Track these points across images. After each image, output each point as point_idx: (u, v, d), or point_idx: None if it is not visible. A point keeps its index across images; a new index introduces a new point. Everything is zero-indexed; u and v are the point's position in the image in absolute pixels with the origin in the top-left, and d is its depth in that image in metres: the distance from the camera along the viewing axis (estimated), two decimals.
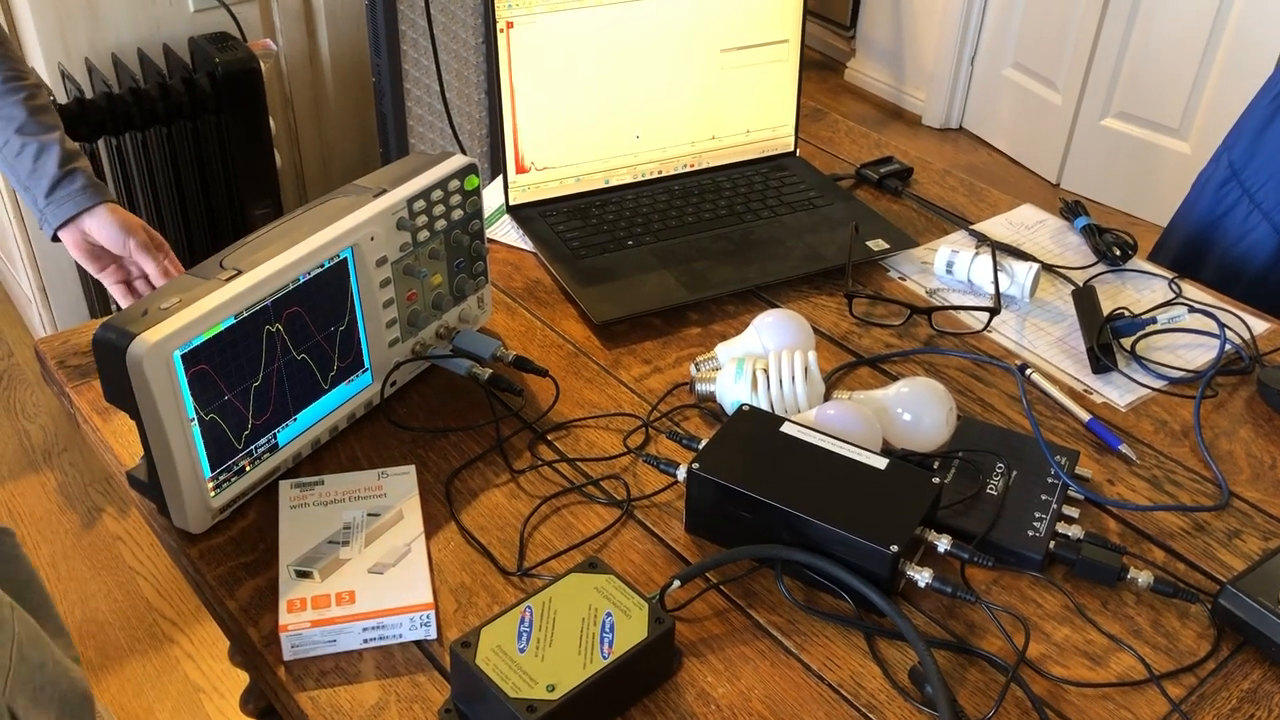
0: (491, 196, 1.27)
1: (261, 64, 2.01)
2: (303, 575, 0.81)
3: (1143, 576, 0.83)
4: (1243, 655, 0.81)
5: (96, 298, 2.13)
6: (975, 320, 1.14)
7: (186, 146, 2.01)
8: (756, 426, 0.89)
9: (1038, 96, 3.24)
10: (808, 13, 1.29)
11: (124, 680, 1.78)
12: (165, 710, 1.73)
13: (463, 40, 2.25)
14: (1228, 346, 1.09)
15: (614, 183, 1.29)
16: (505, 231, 1.24)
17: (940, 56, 3.46)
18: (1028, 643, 0.80)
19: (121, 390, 0.78)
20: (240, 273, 0.82)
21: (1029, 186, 3.23)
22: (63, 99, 1.93)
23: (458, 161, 0.97)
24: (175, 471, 0.81)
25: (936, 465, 0.92)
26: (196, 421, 0.81)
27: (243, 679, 1.25)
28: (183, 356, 0.78)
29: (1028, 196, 1.37)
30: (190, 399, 0.79)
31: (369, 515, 0.86)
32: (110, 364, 0.77)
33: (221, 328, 0.80)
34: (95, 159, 1.94)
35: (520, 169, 1.23)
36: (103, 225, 1.04)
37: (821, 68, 3.92)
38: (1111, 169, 3.10)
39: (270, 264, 0.84)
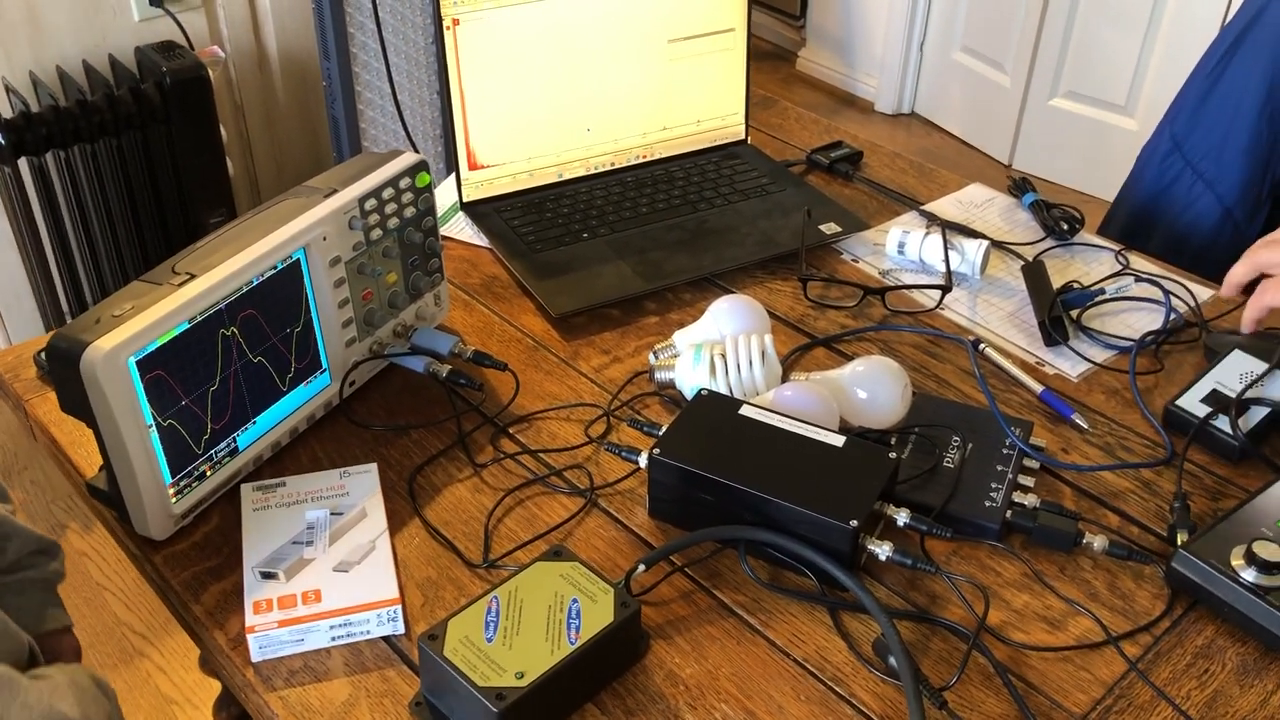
0: (446, 194, 1.27)
1: (210, 71, 2.00)
2: (268, 576, 0.81)
3: (1098, 541, 0.85)
4: (1196, 613, 0.82)
5: (51, 313, 2.11)
6: (928, 298, 1.15)
7: (137, 157, 1.99)
8: (715, 410, 0.90)
9: (987, 79, 3.28)
10: (753, 0, 1.30)
11: None
12: None
13: (412, 41, 2.25)
14: (1172, 315, 1.11)
15: (567, 176, 1.29)
16: (460, 228, 1.25)
17: (890, 43, 3.49)
18: (987, 610, 0.82)
19: (77, 399, 0.77)
20: (193, 277, 0.82)
21: (981, 168, 3.27)
22: (8, 113, 1.91)
23: (408, 159, 0.97)
24: (135, 479, 0.81)
25: (894, 441, 0.94)
26: (154, 428, 0.80)
27: (214, 689, 1.25)
28: (138, 363, 0.77)
29: (980, 178, 1.39)
30: (147, 405, 0.79)
31: (332, 514, 0.86)
32: (65, 373, 0.77)
33: (176, 333, 0.80)
34: (44, 173, 1.93)
35: (472, 165, 1.23)
36: None
37: (773, 58, 3.94)
38: (1062, 148, 3.14)
39: (223, 268, 0.83)
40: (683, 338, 1.03)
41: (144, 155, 2.00)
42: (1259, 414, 0.96)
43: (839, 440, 0.87)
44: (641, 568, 0.81)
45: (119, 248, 2.07)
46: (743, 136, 1.38)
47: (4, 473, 2.18)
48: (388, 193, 0.95)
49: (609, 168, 1.31)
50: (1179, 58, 2.75)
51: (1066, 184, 3.09)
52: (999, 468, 0.91)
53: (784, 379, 0.99)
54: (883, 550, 0.81)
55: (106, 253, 2.06)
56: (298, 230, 0.88)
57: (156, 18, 2.13)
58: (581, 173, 1.30)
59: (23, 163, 1.91)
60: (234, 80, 2.32)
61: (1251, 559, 0.80)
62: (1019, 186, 1.33)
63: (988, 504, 0.88)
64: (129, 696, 1.76)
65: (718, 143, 1.37)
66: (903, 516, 0.83)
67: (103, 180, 1.98)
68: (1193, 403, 0.98)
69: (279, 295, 0.88)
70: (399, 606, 0.79)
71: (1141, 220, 1.43)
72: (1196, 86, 1.39)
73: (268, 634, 0.77)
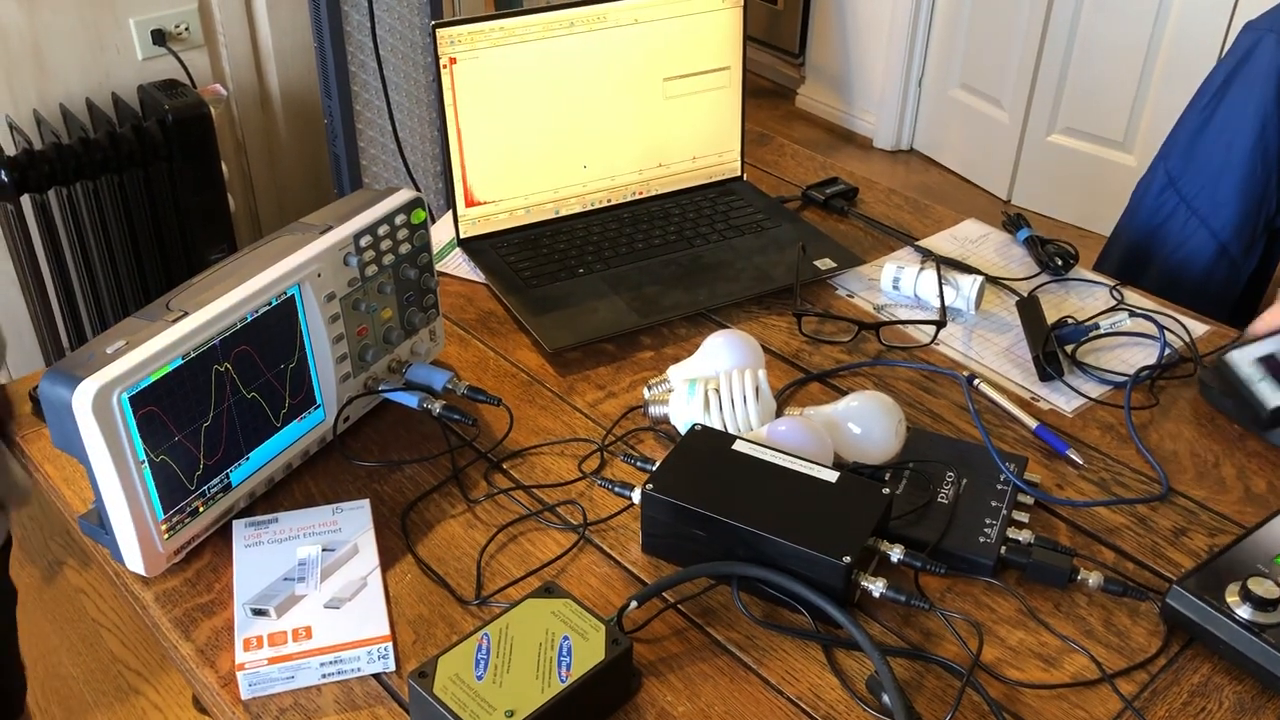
0: (444, 230, 1.27)
1: (212, 109, 2.02)
2: (259, 613, 0.80)
3: (1093, 577, 0.85)
4: (1193, 650, 0.82)
5: (52, 349, 2.12)
6: (923, 334, 1.15)
7: (139, 194, 2.01)
8: (709, 445, 0.90)
9: (985, 115, 3.30)
10: (748, 39, 1.32)
11: None
12: None
13: (413, 79, 2.27)
14: (1167, 350, 1.11)
15: (564, 213, 1.30)
16: (457, 264, 1.25)
17: (888, 79, 3.51)
18: (981, 647, 0.81)
19: (69, 436, 0.78)
20: (187, 314, 0.83)
21: (980, 204, 3.28)
22: (11, 150, 1.92)
23: (404, 196, 0.98)
24: (127, 515, 0.81)
25: (888, 476, 0.93)
26: (147, 464, 0.80)
27: None
28: (130, 399, 0.78)
29: (979, 213, 1.40)
30: (140, 441, 0.79)
31: (324, 551, 0.86)
32: (57, 410, 0.77)
33: (169, 369, 0.80)
34: (47, 210, 1.94)
35: (470, 202, 1.24)
36: None
37: (773, 95, 3.97)
38: (1060, 184, 3.16)
39: (216, 304, 0.84)
40: (677, 373, 1.03)
41: (146, 192, 2.02)
42: None
43: (833, 476, 0.86)
44: (633, 604, 0.80)
45: (120, 284, 2.07)
46: (738, 173, 1.39)
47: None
48: (383, 229, 0.96)
49: (605, 204, 1.32)
50: (1176, 94, 2.77)
51: (1065, 219, 3.11)
52: (993, 503, 0.91)
53: (778, 414, 0.99)
54: (876, 587, 0.81)
55: (108, 289, 2.07)
56: (293, 266, 0.88)
57: (159, 56, 2.15)
58: (578, 209, 1.30)
59: (25, 200, 1.92)
60: (236, 118, 2.34)
61: (1247, 595, 0.79)
62: (1013, 222, 1.34)
63: (982, 540, 0.87)
64: None
65: (713, 179, 1.37)
66: (896, 552, 0.83)
67: (105, 217, 1.99)
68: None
69: (273, 331, 0.88)
70: (390, 644, 0.79)
71: (1137, 256, 1.44)
72: (1190, 123, 1.40)
73: (258, 671, 0.77)
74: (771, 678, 0.79)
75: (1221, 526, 0.93)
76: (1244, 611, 0.79)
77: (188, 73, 2.15)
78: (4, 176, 1.84)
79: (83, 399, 0.75)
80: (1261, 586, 0.79)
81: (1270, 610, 0.79)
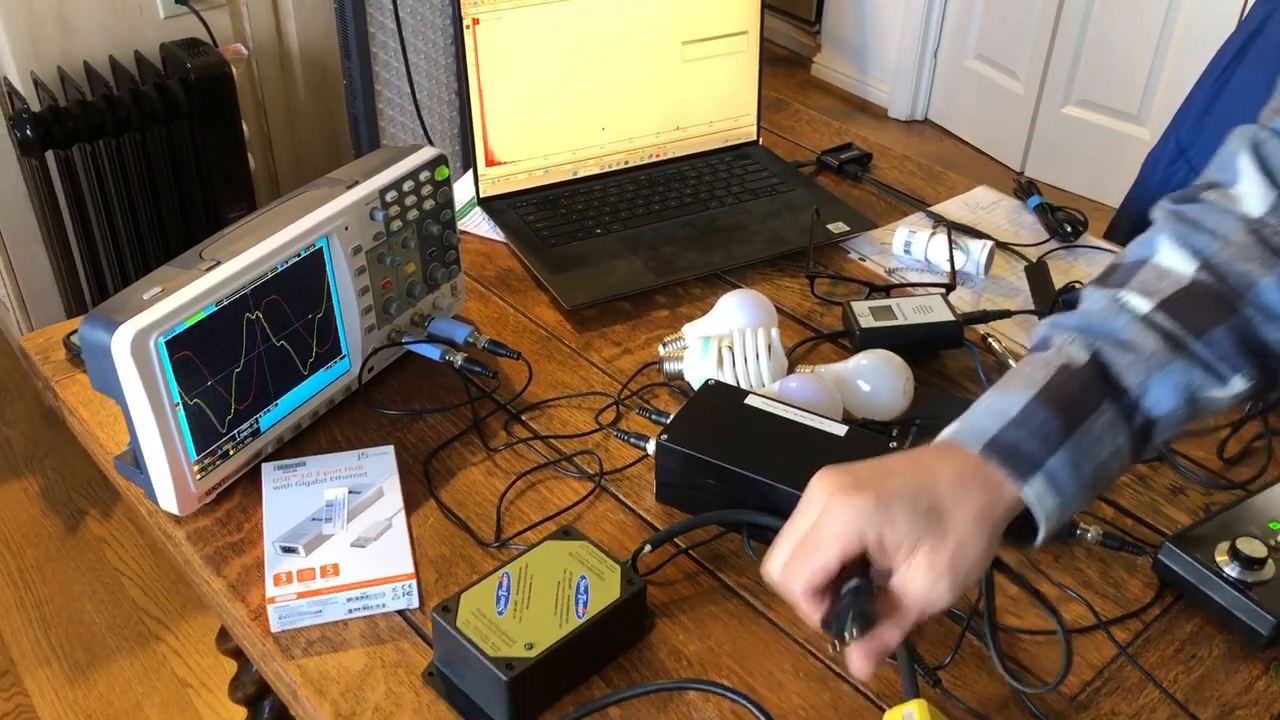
0: (463, 190, 1.30)
1: (233, 68, 2.04)
2: (288, 551, 0.84)
3: (1092, 531, 0.87)
4: (1186, 602, 0.85)
5: (74, 304, 2.15)
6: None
7: (161, 152, 2.03)
8: (722, 400, 0.93)
9: (1000, 86, 3.30)
10: (766, 5, 1.34)
11: (112, 679, 1.80)
12: (154, 706, 1.76)
13: (432, 41, 2.29)
14: None
15: (582, 174, 1.32)
16: (477, 223, 1.28)
17: (904, 49, 3.51)
18: (982, 595, 0.84)
19: (108, 377, 0.81)
20: (220, 263, 0.85)
21: (993, 174, 3.29)
22: (36, 107, 1.95)
23: (428, 153, 1.01)
24: (162, 456, 0.84)
25: (895, 433, 0.96)
26: (181, 406, 0.83)
27: (229, 674, 1.28)
28: (166, 343, 0.81)
29: (992, 184, 1.41)
30: (175, 384, 0.82)
31: (350, 493, 0.89)
32: (96, 353, 0.80)
33: (203, 315, 0.83)
34: (70, 166, 1.97)
35: (490, 162, 1.27)
36: None
37: (788, 63, 3.97)
38: (1074, 155, 3.16)
39: (248, 254, 0.87)
40: (692, 331, 1.05)
41: (168, 150, 2.04)
42: None
43: (841, 430, 0.89)
44: (648, 548, 0.83)
45: (142, 241, 2.10)
46: (754, 137, 1.41)
47: (26, 459, 2.22)
48: (408, 185, 0.98)
49: (623, 166, 1.34)
50: (1191, 67, 2.76)
51: (1078, 191, 3.11)
52: None
53: (789, 371, 1.01)
54: None
55: (130, 246, 2.10)
56: (321, 219, 0.91)
57: (182, 15, 2.17)
58: (596, 170, 1.33)
59: (49, 156, 1.95)
60: (256, 78, 2.36)
61: (1235, 554, 0.82)
62: (1024, 189, 1.36)
63: None
64: (145, 679, 1.80)
65: (730, 143, 1.40)
66: None
67: (127, 174, 2.02)
68: None
69: (302, 282, 0.91)
70: (414, 581, 0.82)
71: (1146, 225, 1.45)
72: (1202, 94, 1.41)
73: (287, 605, 0.80)
74: (779, 621, 0.83)
75: (1218, 486, 0.95)
76: (1232, 570, 0.82)
77: (209, 32, 2.17)
78: (29, 132, 1.87)
79: (121, 342, 0.78)
80: (1250, 546, 0.82)
81: (1257, 569, 0.81)
